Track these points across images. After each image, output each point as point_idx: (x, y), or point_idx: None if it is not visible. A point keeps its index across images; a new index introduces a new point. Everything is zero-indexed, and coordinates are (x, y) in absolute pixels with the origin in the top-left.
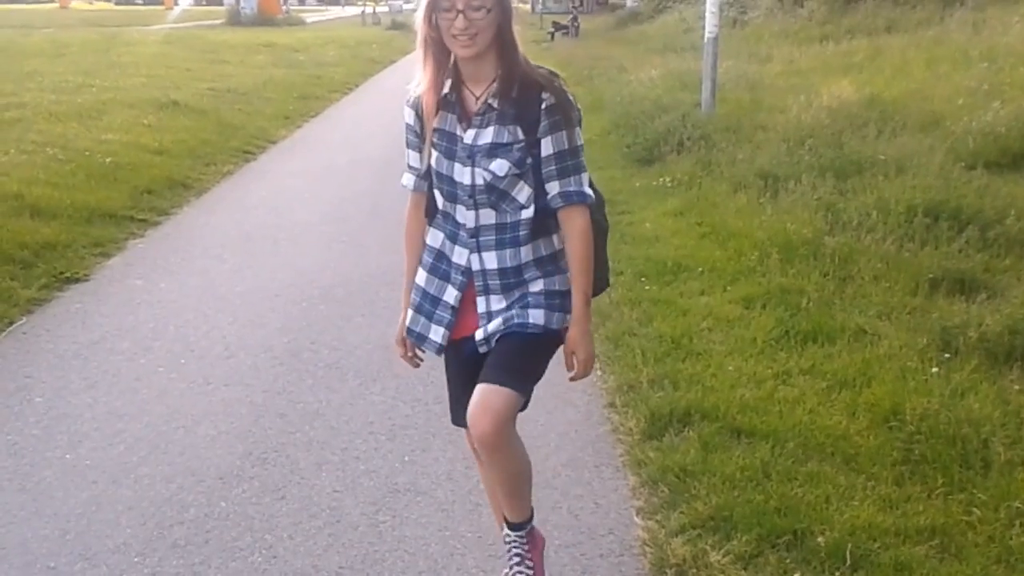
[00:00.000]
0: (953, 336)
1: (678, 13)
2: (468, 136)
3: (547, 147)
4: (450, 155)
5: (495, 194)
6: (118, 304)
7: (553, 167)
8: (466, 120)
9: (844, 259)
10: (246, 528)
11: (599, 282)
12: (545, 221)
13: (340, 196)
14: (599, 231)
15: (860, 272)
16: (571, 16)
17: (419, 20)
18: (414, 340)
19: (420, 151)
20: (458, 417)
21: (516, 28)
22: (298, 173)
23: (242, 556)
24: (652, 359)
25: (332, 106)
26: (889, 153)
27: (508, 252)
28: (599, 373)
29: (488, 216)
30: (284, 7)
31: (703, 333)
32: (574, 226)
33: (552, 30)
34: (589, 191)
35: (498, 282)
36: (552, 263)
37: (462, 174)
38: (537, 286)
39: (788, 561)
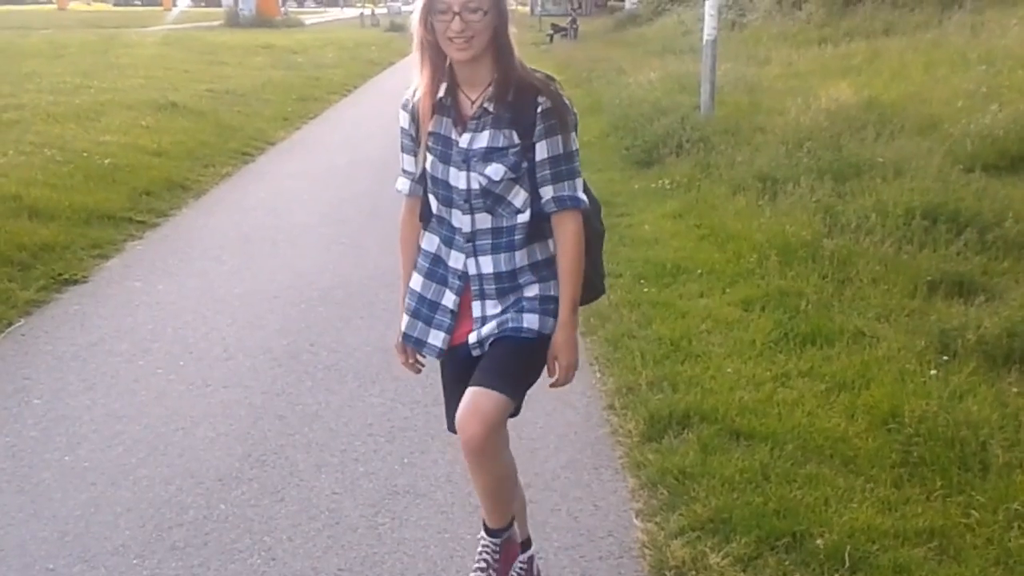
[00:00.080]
0: (952, 338)
1: (677, 15)
2: (464, 140)
3: (542, 151)
4: (445, 159)
5: (491, 198)
6: (117, 306)
7: (547, 171)
8: (461, 124)
9: (843, 261)
10: (245, 530)
11: (594, 288)
12: (540, 225)
13: (339, 198)
14: (595, 236)
15: (859, 274)
16: (570, 18)
17: (415, 23)
18: (412, 345)
19: (415, 155)
20: (454, 423)
21: (512, 31)
22: (297, 175)
23: (241, 558)
24: (651, 361)
25: (331, 108)
26: (887, 156)
27: (504, 256)
28: (598, 375)
29: (484, 220)
30: (282, 9)
31: (702, 335)
32: (566, 231)
33: (551, 32)
34: (583, 196)
35: (493, 287)
36: (547, 267)
37: (458, 178)
38: (532, 291)
39: (787, 563)
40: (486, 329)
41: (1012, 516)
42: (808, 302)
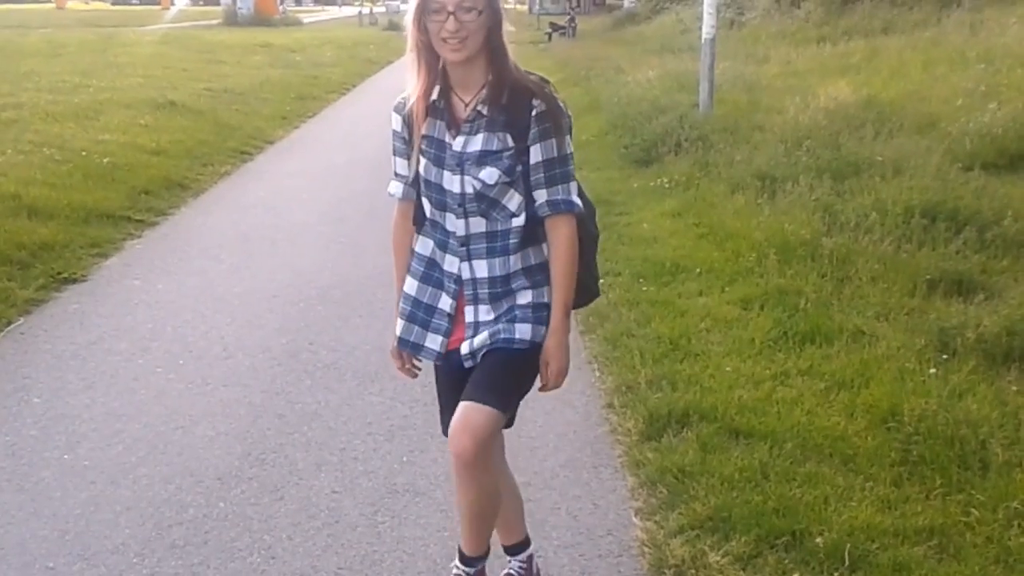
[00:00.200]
0: (951, 337)
1: (675, 14)
2: (457, 143)
3: (536, 155)
4: (439, 163)
5: (485, 202)
6: (116, 305)
7: (541, 175)
8: (455, 127)
9: (842, 260)
10: (245, 529)
11: (588, 292)
12: (535, 229)
13: (338, 196)
14: (589, 239)
15: (858, 273)
16: (568, 17)
17: (408, 24)
18: (409, 350)
19: (408, 158)
20: (448, 428)
21: (510, 29)
22: (296, 173)
23: (241, 557)
24: (650, 360)
25: (329, 106)
26: (886, 154)
27: (498, 260)
28: (597, 374)
29: (478, 224)
30: (281, 7)
31: (701, 334)
32: (559, 235)
33: (549, 31)
34: (577, 200)
35: (487, 291)
36: (541, 272)
37: (451, 182)
38: (525, 297)
39: (787, 562)
40: (478, 340)
41: (1012, 514)
42: (807, 301)
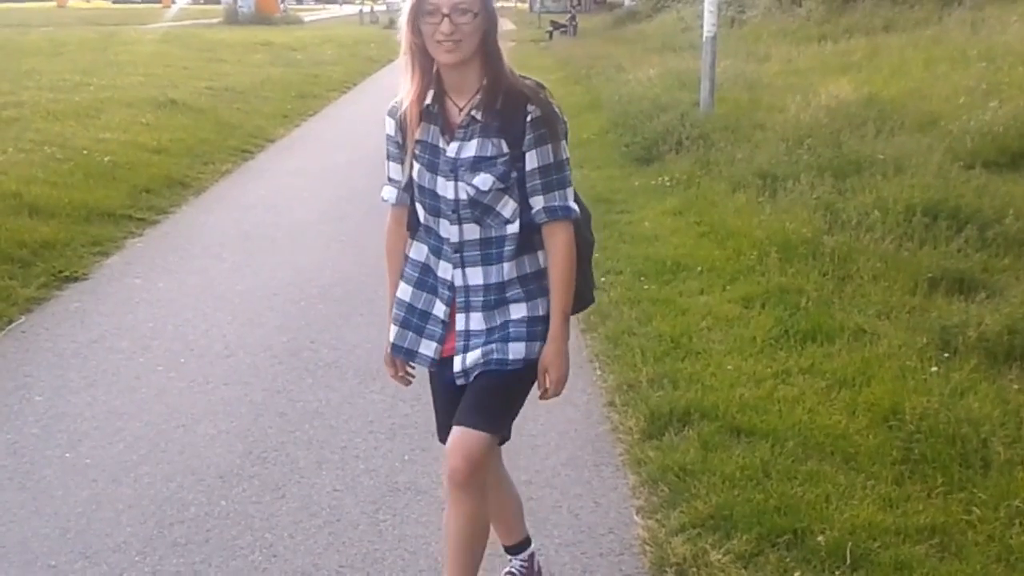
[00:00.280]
0: (952, 335)
1: (676, 12)
2: (451, 149)
3: (532, 161)
4: (432, 168)
5: (479, 209)
6: (117, 303)
7: (538, 181)
8: (449, 132)
9: (843, 258)
10: (246, 527)
11: (583, 299)
12: (530, 237)
13: (338, 195)
14: (585, 246)
15: (859, 271)
16: (569, 15)
17: (403, 27)
18: (403, 356)
19: (401, 163)
20: (443, 435)
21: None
22: (296, 172)
23: (242, 555)
24: (651, 358)
25: (330, 105)
26: (888, 152)
27: (492, 268)
28: (598, 372)
29: (472, 231)
30: (282, 6)
31: (702, 332)
32: (557, 241)
33: (550, 29)
34: (574, 206)
35: (480, 299)
36: (536, 282)
37: (445, 188)
38: (520, 311)
39: (788, 560)
40: (471, 359)
41: (1013, 513)
42: (808, 299)
